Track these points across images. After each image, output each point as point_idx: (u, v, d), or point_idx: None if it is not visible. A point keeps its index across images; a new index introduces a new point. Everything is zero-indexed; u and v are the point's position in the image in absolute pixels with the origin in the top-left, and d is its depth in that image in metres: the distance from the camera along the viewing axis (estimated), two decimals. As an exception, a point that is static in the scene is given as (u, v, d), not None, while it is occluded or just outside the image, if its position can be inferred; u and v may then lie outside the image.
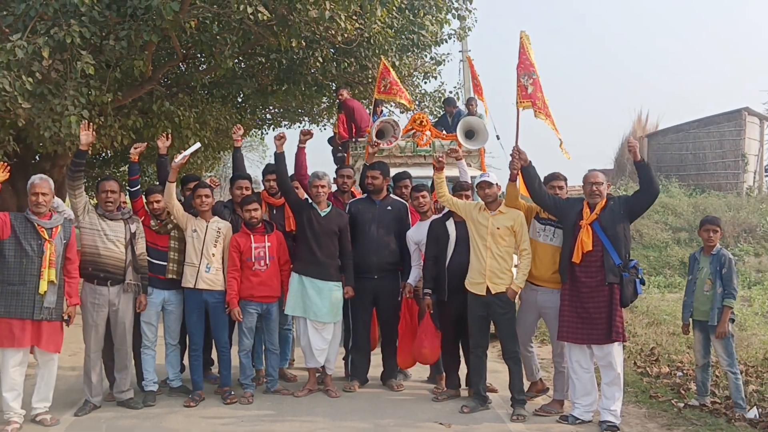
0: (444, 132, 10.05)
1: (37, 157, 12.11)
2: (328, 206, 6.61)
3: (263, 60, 11.75)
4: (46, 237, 5.56)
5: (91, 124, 6.30)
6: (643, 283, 5.94)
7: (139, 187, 6.69)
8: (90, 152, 11.38)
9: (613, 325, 5.67)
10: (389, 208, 6.88)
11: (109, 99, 8.90)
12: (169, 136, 7.14)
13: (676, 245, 16.65)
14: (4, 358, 5.57)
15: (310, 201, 6.71)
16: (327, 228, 6.51)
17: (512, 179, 6.10)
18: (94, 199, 7.14)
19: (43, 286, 5.48)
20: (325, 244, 6.50)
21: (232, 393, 6.40)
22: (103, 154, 14.94)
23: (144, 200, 6.67)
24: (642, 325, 9.78)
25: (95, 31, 7.85)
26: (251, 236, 6.43)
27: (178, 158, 6.36)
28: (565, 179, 6.43)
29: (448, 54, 14.48)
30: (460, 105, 12.99)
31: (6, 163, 5.72)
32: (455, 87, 16.62)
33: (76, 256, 5.88)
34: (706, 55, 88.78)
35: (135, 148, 6.66)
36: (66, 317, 5.77)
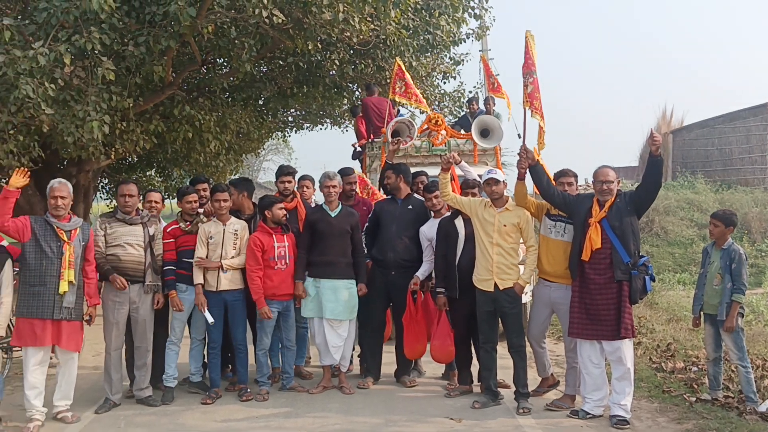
0: (463, 131, 10.10)
1: (64, 163, 12.41)
2: (339, 206, 6.72)
3: (282, 63, 11.89)
4: (65, 239, 5.74)
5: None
6: (653, 279, 5.95)
7: None
8: (114, 157, 11.73)
9: (622, 321, 5.70)
10: (410, 207, 6.97)
11: (131, 104, 9.11)
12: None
13: (702, 242, 16.47)
14: (26, 357, 5.77)
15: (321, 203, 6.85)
16: (338, 228, 6.62)
17: (520, 178, 6.17)
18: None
19: (64, 287, 5.66)
20: (337, 243, 6.62)
21: (248, 390, 6.52)
22: (129, 159, 15.21)
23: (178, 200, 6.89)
24: (661, 322, 9.74)
25: (115, 37, 8.04)
26: (273, 236, 6.57)
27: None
28: (575, 175, 6.47)
29: (467, 54, 14.52)
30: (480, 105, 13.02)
31: (31, 169, 5.90)
32: (475, 86, 16.65)
33: (94, 257, 6.05)
34: (731, 49, 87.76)
35: None
36: (87, 317, 5.95)
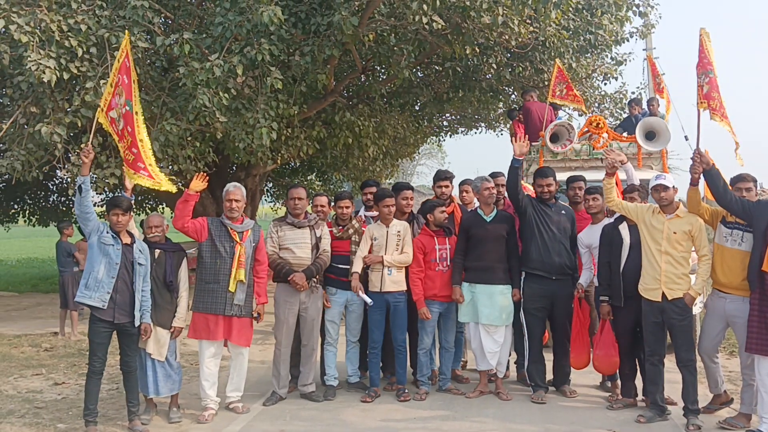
0: (626, 134, 9.73)
1: (233, 168, 13.20)
2: (494, 210, 6.68)
3: (438, 68, 12.02)
4: (237, 240, 6.09)
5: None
6: None
7: None
8: (279, 162, 12.33)
9: (808, 338, 5.25)
10: (563, 212, 6.78)
11: (296, 111, 9.56)
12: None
13: None
14: (201, 349, 6.18)
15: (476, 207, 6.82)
16: (494, 232, 6.57)
17: (693, 183, 5.83)
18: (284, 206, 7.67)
19: (233, 285, 6.01)
20: (493, 248, 6.56)
21: (406, 391, 6.62)
22: (292, 164, 15.91)
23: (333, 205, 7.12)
24: None
25: (282, 48, 8.48)
26: (435, 238, 6.65)
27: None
28: (754, 180, 6.02)
29: (630, 53, 13.96)
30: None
31: (206, 173, 6.33)
32: (638, 87, 16.00)
33: (265, 258, 6.34)
34: None
35: None
36: (255, 315, 6.28)
